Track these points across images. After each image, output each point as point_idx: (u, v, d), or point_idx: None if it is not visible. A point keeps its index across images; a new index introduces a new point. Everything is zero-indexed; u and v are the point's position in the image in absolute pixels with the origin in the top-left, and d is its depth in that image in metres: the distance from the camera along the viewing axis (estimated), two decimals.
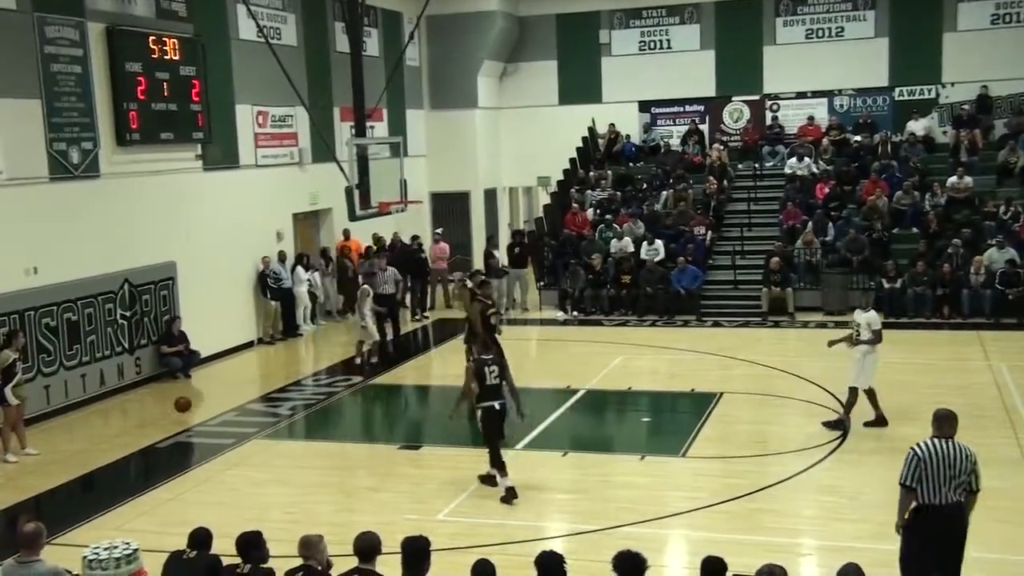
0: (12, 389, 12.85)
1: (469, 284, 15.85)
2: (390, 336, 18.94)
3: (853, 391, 12.83)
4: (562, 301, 22.14)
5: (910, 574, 7.60)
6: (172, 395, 16.34)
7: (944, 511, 7.35)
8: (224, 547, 7.43)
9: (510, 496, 10.75)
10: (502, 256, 23.45)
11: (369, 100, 19.65)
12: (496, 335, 14.36)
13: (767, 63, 25.97)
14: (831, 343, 13.35)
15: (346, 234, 21.89)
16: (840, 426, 12.82)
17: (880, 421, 12.87)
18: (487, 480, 11.20)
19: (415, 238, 22.79)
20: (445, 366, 18.46)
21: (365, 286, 18.08)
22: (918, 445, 7.50)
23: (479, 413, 11.04)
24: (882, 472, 11.15)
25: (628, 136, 26.80)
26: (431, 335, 21.20)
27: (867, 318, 12.79)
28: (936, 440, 7.44)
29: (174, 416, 14.78)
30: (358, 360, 17.63)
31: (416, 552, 6.27)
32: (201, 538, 7.16)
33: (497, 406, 10.98)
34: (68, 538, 10.02)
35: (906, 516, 7.55)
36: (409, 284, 22.10)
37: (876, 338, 12.74)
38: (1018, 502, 10.38)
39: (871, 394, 12.86)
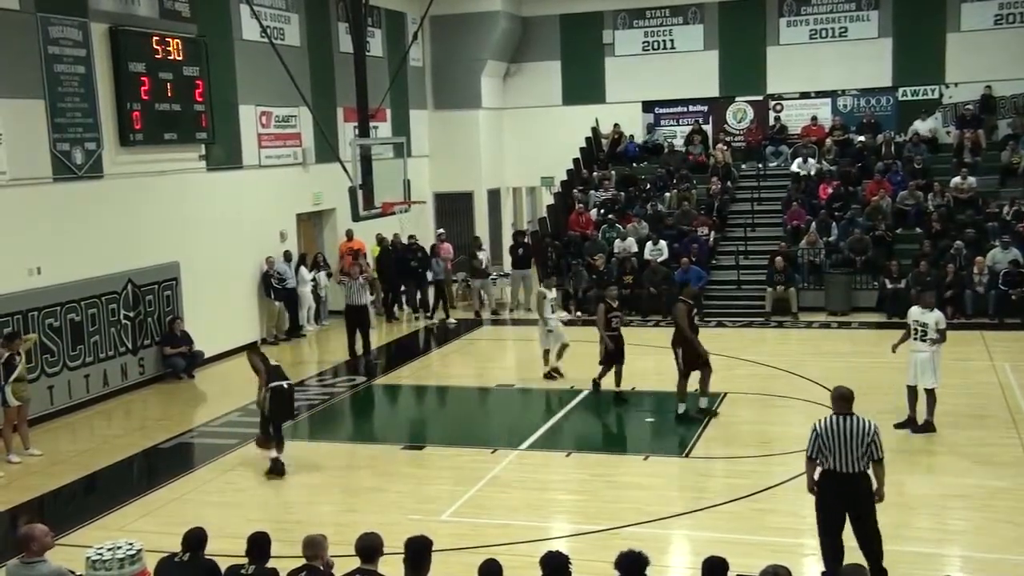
0: (13, 386, 12.82)
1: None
2: (360, 351, 18.52)
3: (930, 392, 12.66)
4: (565, 301, 22.12)
5: (821, 531, 8.24)
6: (175, 395, 16.42)
7: (845, 478, 8.03)
8: (227, 547, 7.44)
9: (278, 468, 11.89)
10: (503, 257, 23.42)
11: (372, 100, 19.70)
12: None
13: (770, 63, 25.96)
14: (895, 348, 13.09)
15: (349, 234, 21.88)
16: (929, 427, 12.68)
17: (911, 423, 12.83)
18: (276, 469, 11.96)
19: (411, 238, 22.73)
20: (448, 366, 18.50)
21: (542, 289, 16.85)
22: (818, 421, 8.21)
23: (268, 393, 11.87)
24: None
25: (631, 136, 26.81)
26: (434, 335, 21.20)
27: (935, 317, 12.65)
28: (835, 416, 8.14)
29: (177, 416, 14.75)
30: (557, 368, 16.32)
31: (418, 551, 6.28)
32: (196, 539, 6.98)
33: (285, 386, 12.05)
34: (72, 538, 10.01)
35: (816, 481, 8.32)
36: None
37: (942, 337, 12.62)
38: (1019, 502, 10.36)
39: (915, 395, 12.74)
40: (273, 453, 12.04)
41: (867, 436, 7.98)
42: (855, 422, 8.03)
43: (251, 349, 12.91)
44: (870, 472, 8.07)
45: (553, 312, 16.41)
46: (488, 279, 22.75)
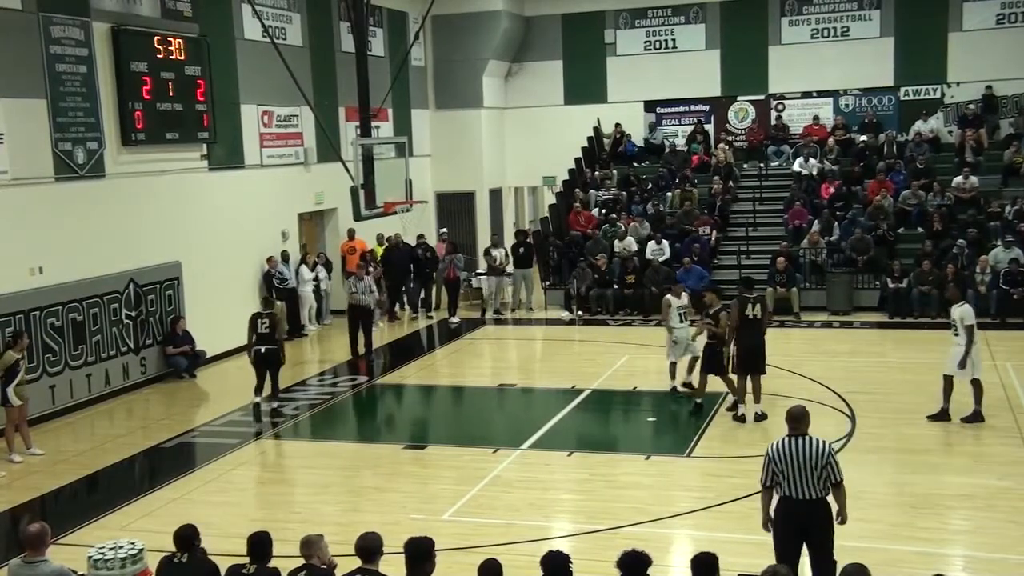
0: (14, 389, 12.85)
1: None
2: (362, 351, 18.51)
3: (973, 383, 12.84)
4: (567, 301, 22.15)
5: (777, 560, 7.65)
6: (177, 395, 16.43)
7: (801, 504, 7.48)
8: (228, 547, 7.44)
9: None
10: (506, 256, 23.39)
11: (374, 100, 19.71)
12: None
13: (772, 63, 25.95)
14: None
15: (351, 234, 21.89)
16: (976, 417, 12.83)
17: (944, 414, 12.97)
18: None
19: (420, 237, 22.75)
20: (450, 365, 18.50)
21: (668, 296, 15.08)
22: (771, 444, 7.67)
23: (253, 354, 14.82)
24: (886, 472, 11.15)
25: (630, 136, 26.80)
26: (436, 334, 21.21)
27: (958, 313, 12.75)
28: (789, 438, 7.56)
29: (179, 416, 14.76)
30: (690, 383, 14.99)
31: (419, 553, 6.23)
32: (187, 537, 6.86)
33: (263, 350, 14.73)
34: (74, 538, 10.03)
35: (771, 511, 7.73)
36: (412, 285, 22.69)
37: (965, 333, 12.65)
38: (1022, 502, 10.34)
39: (951, 385, 12.91)
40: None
41: (822, 458, 7.42)
42: (809, 444, 7.47)
43: (256, 314, 14.95)
44: (829, 498, 7.56)
45: (682, 321, 14.82)
46: (504, 276, 22.71)
